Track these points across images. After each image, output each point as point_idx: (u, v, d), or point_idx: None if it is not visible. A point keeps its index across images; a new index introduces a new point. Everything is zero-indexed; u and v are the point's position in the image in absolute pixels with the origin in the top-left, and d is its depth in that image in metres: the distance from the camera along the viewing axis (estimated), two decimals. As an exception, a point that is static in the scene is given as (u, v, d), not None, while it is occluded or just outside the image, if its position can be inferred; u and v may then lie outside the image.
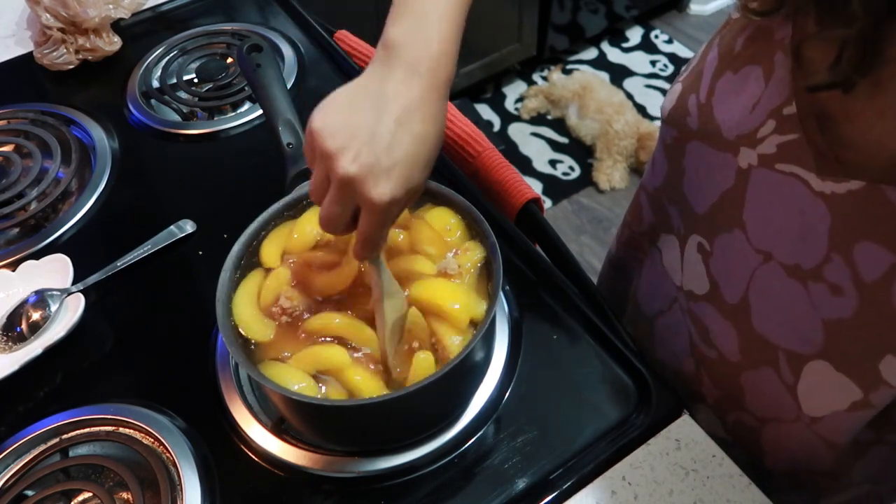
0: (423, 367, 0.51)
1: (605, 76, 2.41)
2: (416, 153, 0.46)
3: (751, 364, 0.59)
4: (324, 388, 0.52)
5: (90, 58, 0.93)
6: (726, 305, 0.59)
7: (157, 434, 0.58)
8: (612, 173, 2.08)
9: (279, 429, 0.58)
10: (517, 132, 2.26)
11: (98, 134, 0.85)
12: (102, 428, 0.59)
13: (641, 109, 2.26)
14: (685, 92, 0.59)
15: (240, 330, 0.54)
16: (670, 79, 2.39)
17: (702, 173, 0.59)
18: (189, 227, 0.74)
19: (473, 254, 0.57)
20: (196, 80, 0.92)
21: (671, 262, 0.66)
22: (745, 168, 0.53)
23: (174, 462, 0.56)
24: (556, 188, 2.10)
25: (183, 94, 0.90)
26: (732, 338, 0.60)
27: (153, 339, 0.67)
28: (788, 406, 0.57)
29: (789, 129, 0.49)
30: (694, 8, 2.66)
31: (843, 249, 0.48)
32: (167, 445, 0.57)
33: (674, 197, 0.64)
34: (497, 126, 2.28)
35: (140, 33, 0.99)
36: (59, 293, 0.67)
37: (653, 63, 2.47)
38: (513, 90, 2.39)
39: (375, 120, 0.45)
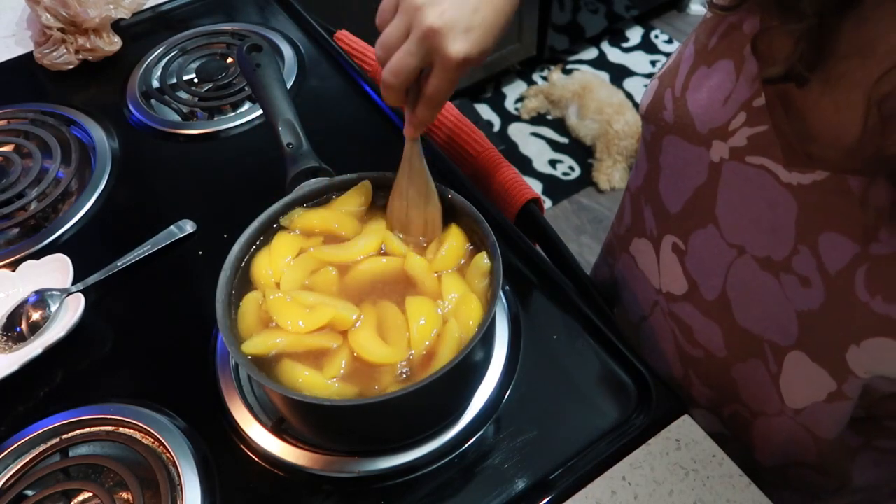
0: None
1: (605, 76, 2.41)
2: (494, 22, 0.50)
3: (739, 357, 0.59)
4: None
5: (90, 58, 0.93)
6: (706, 303, 0.60)
7: (157, 434, 0.58)
8: (612, 173, 2.08)
9: (279, 429, 0.58)
10: (517, 132, 2.26)
11: (98, 134, 0.85)
12: (102, 428, 0.59)
13: (641, 108, 2.26)
14: (661, 87, 0.59)
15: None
16: (670, 79, 2.39)
17: (677, 169, 0.59)
18: (189, 227, 0.74)
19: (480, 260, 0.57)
20: (196, 80, 0.92)
21: (647, 265, 0.67)
22: (717, 162, 0.54)
23: (174, 462, 0.56)
24: (556, 188, 2.10)
25: (183, 94, 0.90)
26: (716, 334, 0.60)
27: (153, 339, 0.67)
28: (772, 399, 0.57)
29: (759, 121, 0.50)
30: (694, 8, 2.66)
31: (809, 240, 0.48)
32: (167, 445, 0.57)
33: (650, 197, 0.64)
34: (497, 126, 2.28)
35: (140, 33, 0.99)
36: (59, 293, 0.67)
37: (653, 63, 2.47)
38: (513, 90, 2.39)
39: None
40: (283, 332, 0.53)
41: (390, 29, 0.50)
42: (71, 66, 0.92)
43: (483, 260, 0.56)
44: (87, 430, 0.59)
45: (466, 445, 0.57)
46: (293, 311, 0.53)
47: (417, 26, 0.48)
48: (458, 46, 0.48)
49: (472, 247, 0.58)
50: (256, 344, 0.52)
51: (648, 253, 0.66)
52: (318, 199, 0.62)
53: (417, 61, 0.49)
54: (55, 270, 0.69)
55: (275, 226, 0.60)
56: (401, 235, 0.59)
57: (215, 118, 0.87)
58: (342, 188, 0.62)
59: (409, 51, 0.49)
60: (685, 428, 0.57)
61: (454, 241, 0.58)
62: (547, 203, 2.06)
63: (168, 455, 0.57)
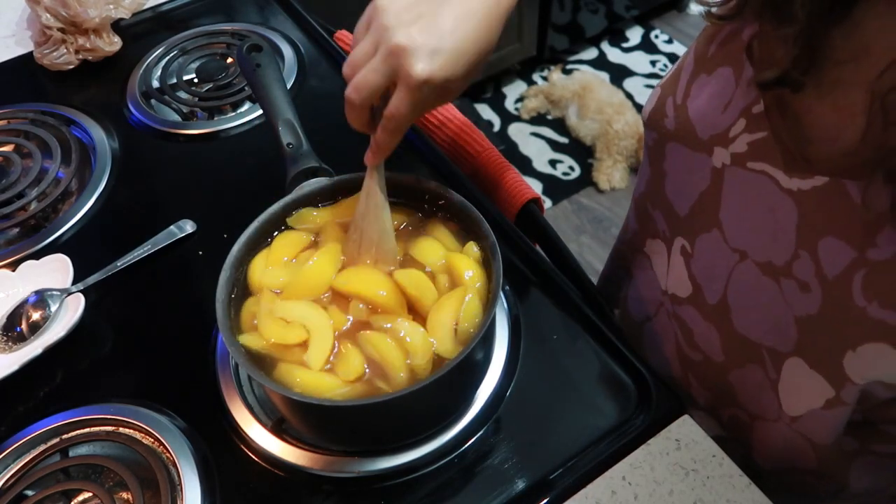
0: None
1: (605, 76, 2.41)
2: (465, 49, 0.48)
3: (736, 363, 0.59)
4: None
5: (90, 58, 0.93)
6: (707, 306, 0.60)
7: (157, 434, 0.58)
8: (612, 173, 2.08)
9: (279, 429, 0.58)
10: (517, 132, 2.26)
11: (98, 134, 0.85)
12: (102, 428, 0.59)
13: (641, 109, 2.26)
14: (664, 94, 0.60)
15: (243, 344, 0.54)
16: (670, 79, 2.39)
17: (681, 175, 0.60)
18: (189, 227, 0.74)
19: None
20: (196, 80, 0.92)
21: (659, 266, 0.67)
22: (720, 168, 0.54)
23: (174, 462, 0.56)
24: (556, 188, 2.10)
25: (183, 94, 0.90)
26: (714, 339, 0.60)
27: (153, 339, 0.67)
28: (771, 404, 0.57)
29: (759, 128, 0.51)
30: (694, 8, 2.66)
31: (809, 246, 0.49)
32: (167, 445, 0.57)
33: (657, 201, 0.64)
34: (497, 126, 2.28)
35: (140, 33, 0.99)
36: (59, 293, 0.67)
37: (653, 63, 2.47)
38: (513, 90, 2.39)
39: (437, 11, 0.48)
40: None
41: (359, 48, 0.50)
42: (71, 66, 0.92)
43: (472, 248, 0.56)
44: (87, 430, 0.59)
45: (466, 445, 0.57)
46: (273, 324, 0.54)
47: (384, 44, 0.48)
48: (422, 66, 0.47)
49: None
50: (253, 338, 0.53)
51: (662, 253, 0.66)
52: (329, 202, 0.62)
53: (380, 78, 0.49)
54: (55, 270, 0.69)
55: (283, 227, 0.61)
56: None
57: (215, 118, 0.87)
58: (348, 190, 0.62)
59: (373, 67, 0.49)
60: (685, 428, 0.57)
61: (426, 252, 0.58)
62: (547, 203, 2.06)
63: (168, 455, 0.57)
